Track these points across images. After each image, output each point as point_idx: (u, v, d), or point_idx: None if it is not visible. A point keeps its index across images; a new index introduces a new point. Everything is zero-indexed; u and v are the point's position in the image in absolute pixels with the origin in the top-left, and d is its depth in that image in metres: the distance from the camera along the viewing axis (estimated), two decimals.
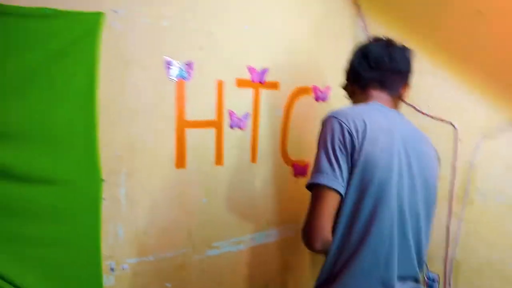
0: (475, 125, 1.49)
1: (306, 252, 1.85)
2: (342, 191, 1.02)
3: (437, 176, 1.15)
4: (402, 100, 1.22)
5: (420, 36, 1.63)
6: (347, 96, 1.30)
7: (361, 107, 1.12)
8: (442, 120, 1.58)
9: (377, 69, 1.15)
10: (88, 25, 1.18)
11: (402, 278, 1.06)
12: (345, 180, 1.02)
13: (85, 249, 1.20)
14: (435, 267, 1.63)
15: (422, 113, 1.64)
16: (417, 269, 1.09)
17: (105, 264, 1.34)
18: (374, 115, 1.08)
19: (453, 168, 1.55)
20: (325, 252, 1.07)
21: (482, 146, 1.47)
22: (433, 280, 1.63)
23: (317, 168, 1.03)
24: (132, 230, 1.38)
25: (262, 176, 1.71)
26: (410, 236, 1.06)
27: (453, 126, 1.55)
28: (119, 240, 1.36)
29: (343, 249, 1.05)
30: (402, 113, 1.18)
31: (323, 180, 1.01)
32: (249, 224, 1.70)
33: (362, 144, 1.01)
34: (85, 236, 1.20)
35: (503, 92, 1.41)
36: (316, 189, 1.03)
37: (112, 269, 1.36)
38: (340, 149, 1.02)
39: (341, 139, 1.02)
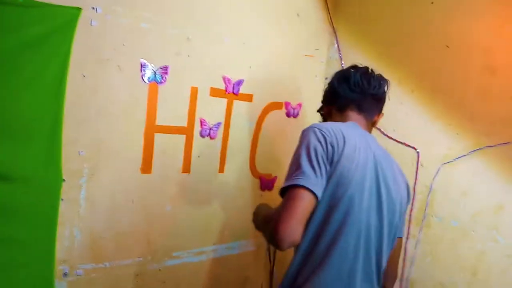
0: (437, 152, 1.56)
1: (266, 268, 1.85)
2: (319, 198, 1.01)
3: (404, 202, 1.18)
4: (374, 127, 1.26)
5: (391, 63, 1.70)
6: (321, 120, 1.32)
7: (340, 124, 1.14)
8: (406, 145, 1.65)
9: (356, 92, 1.18)
10: (64, 19, 1.14)
11: None
12: (323, 187, 1.02)
13: (38, 251, 1.13)
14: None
15: (388, 136, 1.70)
16: (376, 286, 1.11)
17: (59, 268, 1.27)
18: (352, 132, 1.10)
19: (413, 192, 1.61)
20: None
21: (441, 172, 1.54)
22: None
23: (299, 172, 1.00)
24: (89, 234, 1.32)
25: (228, 187, 1.69)
26: (373, 253, 1.08)
27: (416, 151, 1.62)
28: (75, 243, 1.30)
29: (307, 261, 1.05)
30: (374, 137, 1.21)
31: (307, 183, 0.98)
32: (212, 235, 1.68)
33: (340, 158, 1.03)
34: (39, 237, 1.14)
35: (464, 123, 1.50)
36: (296, 191, 0.99)
37: (65, 274, 1.29)
38: (323, 159, 1.02)
39: (324, 149, 1.03)
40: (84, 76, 1.24)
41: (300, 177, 1.00)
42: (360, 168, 1.05)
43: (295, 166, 1.03)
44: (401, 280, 1.63)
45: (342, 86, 1.20)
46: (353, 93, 1.18)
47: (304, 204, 0.98)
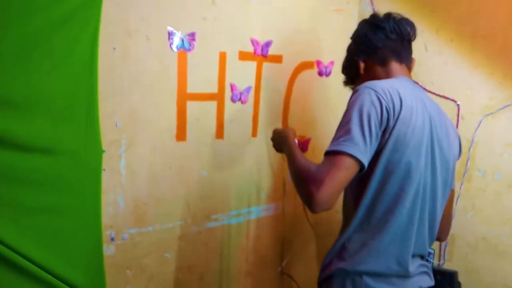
0: (478, 103, 1.49)
1: (303, 227, 1.88)
2: (366, 167, 0.97)
3: (456, 158, 1.15)
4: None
5: (427, 12, 1.60)
6: (347, 80, 1.26)
7: (394, 82, 1.05)
8: (445, 97, 1.58)
9: (394, 40, 1.10)
10: None
11: (413, 256, 1.07)
12: (371, 157, 0.97)
13: (85, 219, 1.20)
14: None
15: (426, 90, 1.63)
16: (427, 247, 1.11)
17: (105, 233, 1.35)
18: (407, 92, 1.02)
19: None
20: None
21: (483, 124, 1.48)
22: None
23: (348, 137, 0.94)
24: (131, 201, 1.38)
25: (262, 150, 1.71)
26: (427, 215, 1.07)
27: (456, 103, 1.55)
28: (119, 210, 1.37)
29: (363, 228, 1.05)
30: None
31: (355, 151, 0.93)
32: (248, 198, 1.71)
33: (396, 123, 0.97)
34: (85, 206, 1.20)
35: (508, 70, 1.41)
36: (342, 158, 0.94)
37: (112, 239, 1.37)
38: (375, 125, 0.96)
39: (379, 115, 0.96)
40: (114, 48, 1.25)
41: (349, 144, 0.94)
42: (416, 132, 1.00)
43: (344, 130, 0.97)
44: None
45: (378, 35, 1.11)
46: (392, 41, 1.10)
47: (348, 173, 0.95)
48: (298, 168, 1.05)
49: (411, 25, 1.12)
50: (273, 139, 1.38)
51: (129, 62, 1.28)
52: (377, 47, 1.11)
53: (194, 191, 1.54)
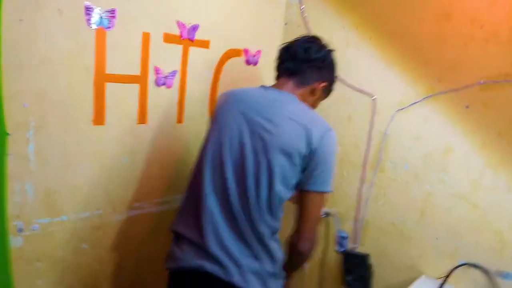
0: (392, 99, 1.59)
1: None
2: None
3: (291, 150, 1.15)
4: (315, 94, 1.26)
5: (350, 9, 1.67)
6: None
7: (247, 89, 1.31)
8: (362, 92, 1.67)
9: (293, 60, 1.23)
10: None
11: None
12: None
13: None
14: (346, 226, 1.77)
15: (346, 84, 1.71)
16: None
17: (12, 224, 1.24)
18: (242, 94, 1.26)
19: (369, 137, 1.66)
20: None
21: (395, 118, 1.59)
22: (343, 238, 1.77)
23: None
24: (42, 188, 1.28)
25: (188, 137, 1.67)
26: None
27: (372, 98, 1.64)
28: (28, 199, 1.26)
29: None
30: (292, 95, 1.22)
31: None
32: (174, 185, 1.68)
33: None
34: None
35: (419, 69, 1.52)
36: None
37: (20, 230, 1.26)
38: None
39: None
40: (21, 20, 1.13)
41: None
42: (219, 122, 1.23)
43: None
44: (356, 220, 1.72)
45: (282, 55, 1.27)
46: (289, 61, 1.23)
47: None
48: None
49: (320, 51, 1.24)
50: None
51: (38, 36, 1.17)
52: (279, 64, 1.30)
53: (114, 179, 1.47)
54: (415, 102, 1.54)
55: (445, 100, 1.47)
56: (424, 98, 1.51)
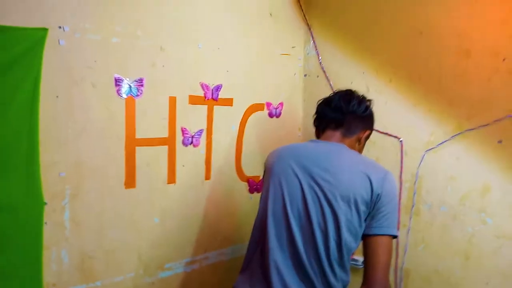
0: (419, 139, 1.56)
1: None
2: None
3: (357, 197, 1.14)
4: (362, 143, 1.31)
5: (368, 55, 1.70)
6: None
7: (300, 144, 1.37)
8: (388, 134, 1.65)
9: (336, 112, 1.26)
10: (31, 41, 1.13)
11: None
12: None
13: (24, 279, 1.11)
14: None
15: None
16: None
17: None
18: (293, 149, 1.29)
19: (400, 180, 1.61)
20: None
21: (426, 159, 1.55)
22: None
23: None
24: (77, 255, 1.31)
25: (216, 193, 1.69)
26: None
27: (399, 140, 1.62)
28: (63, 266, 1.28)
29: None
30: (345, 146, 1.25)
31: None
32: (203, 243, 1.67)
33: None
34: (25, 264, 1.12)
35: (444, 108, 1.50)
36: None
37: None
38: None
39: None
40: (57, 97, 1.22)
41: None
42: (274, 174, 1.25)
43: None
44: (395, 270, 1.64)
45: (324, 109, 1.29)
46: (333, 113, 1.27)
47: None
48: None
49: (360, 102, 1.28)
50: None
51: (74, 110, 1.25)
52: (322, 118, 1.32)
53: (145, 240, 1.48)
54: (444, 141, 1.50)
55: (476, 137, 1.43)
56: (453, 136, 1.48)
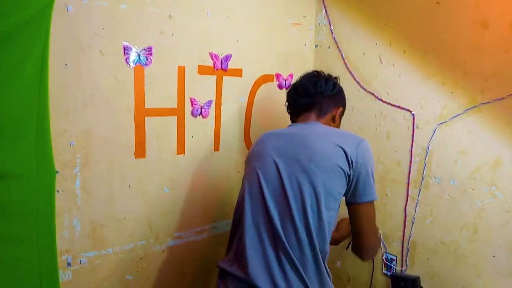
0: (432, 113, 1.54)
1: None
2: None
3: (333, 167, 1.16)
4: (337, 120, 1.33)
5: (381, 26, 1.65)
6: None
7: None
8: (400, 107, 1.63)
9: (304, 96, 1.29)
10: (39, 6, 1.09)
11: None
12: None
13: (38, 245, 1.13)
14: (393, 248, 1.69)
15: (382, 100, 1.68)
16: None
17: (61, 258, 1.28)
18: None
19: (410, 154, 1.60)
20: None
21: (437, 132, 1.53)
22: (391, 260, 1.70)
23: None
24: (88, 222, 1.33)
25: (225, 164, 1.69)
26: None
27: (411, 113, 1.60)
28: (76, 233, 1.31)
29: None
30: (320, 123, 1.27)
31: None
32: (212, 213, 1.69)
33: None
34: (38, 230, 1.13)
35: (459, 80, 1.47)
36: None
37: (69, 264, 1.30)
38: None
39: None
40: (66, 65, 1.21)
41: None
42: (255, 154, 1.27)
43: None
44: (403, 241, 1.65)
45: (294, 95, 1.32)
46: (303, 98, 1.29)
47: None
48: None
49: (327, 82, 1.29)
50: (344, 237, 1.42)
51: (82, 78, 1.24)
52: (293, 104, 1.34)
53: (155, 209, 1.50)
54: (457, 115, 1.48)
55: (490, 111, 1.40)
56: (466, 110, 1.45)
